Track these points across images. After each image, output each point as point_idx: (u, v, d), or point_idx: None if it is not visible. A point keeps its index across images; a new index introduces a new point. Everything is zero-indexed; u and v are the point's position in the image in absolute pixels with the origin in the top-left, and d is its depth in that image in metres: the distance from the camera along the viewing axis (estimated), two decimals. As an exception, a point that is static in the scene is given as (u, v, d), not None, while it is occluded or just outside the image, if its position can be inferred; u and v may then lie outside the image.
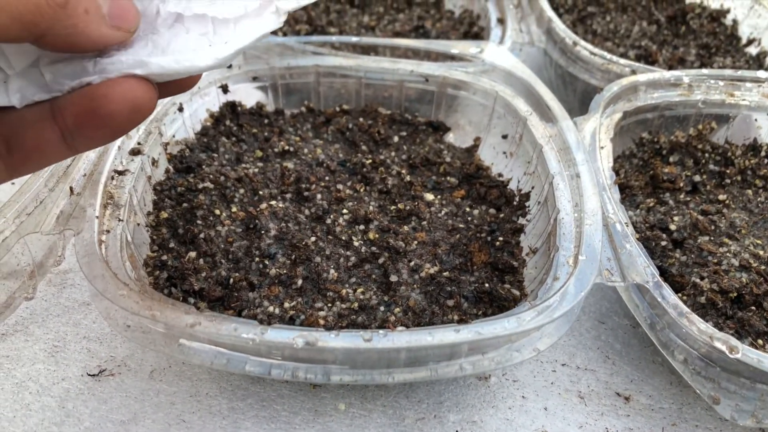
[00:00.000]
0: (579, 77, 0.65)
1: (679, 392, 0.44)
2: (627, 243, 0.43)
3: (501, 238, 0.46)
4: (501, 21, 0.70)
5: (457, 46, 0.59)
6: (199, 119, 0.54)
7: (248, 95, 0.58)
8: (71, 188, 0.42)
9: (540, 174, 0.48)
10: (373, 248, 0.45)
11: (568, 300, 0.36)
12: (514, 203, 0.50)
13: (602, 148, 0.51)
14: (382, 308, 0.41)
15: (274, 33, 0.70)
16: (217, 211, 0.46)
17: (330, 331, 0.34)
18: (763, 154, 0.57)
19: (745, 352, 0.36)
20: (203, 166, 0.49)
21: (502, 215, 0.49)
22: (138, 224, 0.43)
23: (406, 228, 0.47)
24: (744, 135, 0.60)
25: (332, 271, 0.43)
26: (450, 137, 0.58)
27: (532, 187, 0.49)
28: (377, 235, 0.45)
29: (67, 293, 0.48)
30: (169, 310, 0.34)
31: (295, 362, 0.35)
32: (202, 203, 0.46)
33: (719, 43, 0.76)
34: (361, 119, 0.57)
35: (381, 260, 0.44)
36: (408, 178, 0.51)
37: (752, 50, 0.75)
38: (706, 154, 0.57)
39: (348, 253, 0.44)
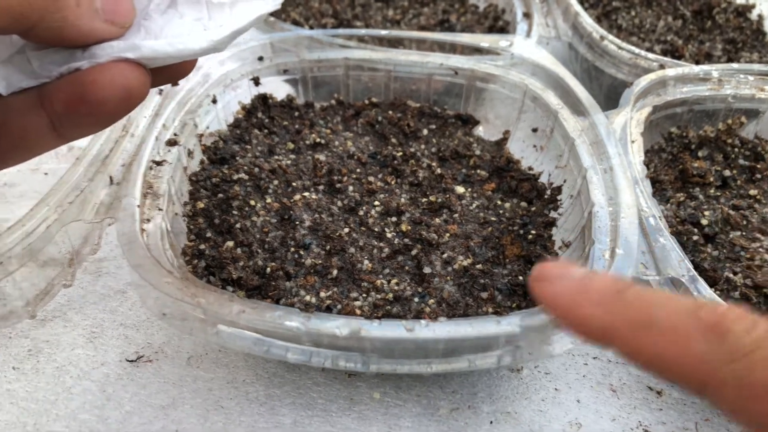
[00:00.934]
0: (605, 71, 0.65)
1: (711, 386, 0.44)
2: (661, 237, 0.43)
3: (533, 232, 0.46)
4: (527, 15, 0.70)
5: (486, 40, 0.59)
6: (232, 111, 0.54)
7: (277, 88, 0.58)
8: (111, 178, 0.43)
9: (572, 167, 0.48)
10: (406, 240, 0.45)
11: (606, 292, 0.36)
12: (546, 196, 0.50)
13: (633, 142, 0.51)
14: (416, 299, 0.41)
15: (299, 24, 0.71)
16: (252, 202, 0.46)
17: (371, 320, 0.35)
18: (793, 149, 0.57)
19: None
20: (237, 158, 0.50)
21: (533, 208, 0.49)
22: (176, 214, 0.43)
23: (437, 220, 0.47)
24: (773, 130, 0.60)
25: (366, 261, 0.43)
26: (480, 131, 0.59)
27: (564, 181, 0.49)
28: (409, 227, 0.46)
29: (103, 281, 0.49)
30: (213, 297, 0.35)
31: (334, 350, 0.36)
32: (237, 194, 0.46)
33: (745, 38, 0.75)
34: (390, 112, 0.57)
35: (414, 252, 0.44)
36: (438, 170, 0.51)
37: (779, 46, 0.74)
38: (735, 149, 0.57)
39: (381, 244, 0.45)
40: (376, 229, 0.46)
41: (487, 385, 0.43)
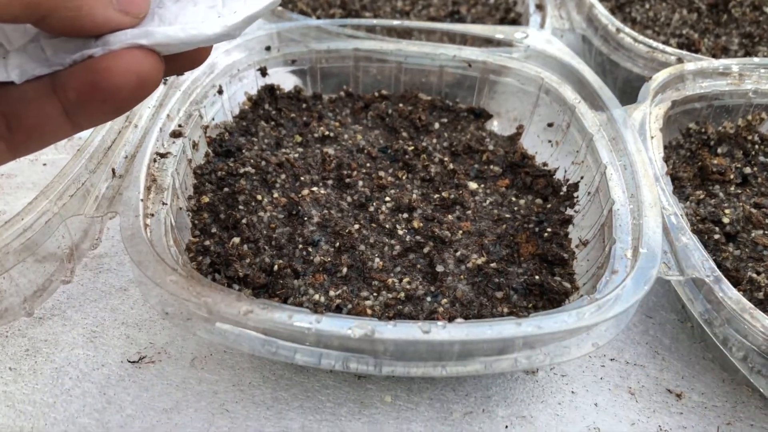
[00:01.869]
0: (621, 65, 0.63)
1: (732, 390, 0.43)
2: (683, 236, 0.41)
3: (549, 229, 0.45)
4: (540, 7, 0.68)
5: (501, 31, 0.57)
6: (238, 102, 0.52)
7: (285, 79, 0.56)
8: (113, 170, 0.41)
9: (590, 164, 0.47)
10: (418, 237, 0.43)
11: (630, 294, 0.35)
12: (562, 193, 0.48)
13: (652, 137, 0.49)
14: (428, 299, 0.39)
15: (306, 14, 0.69)
16: (259, 197, 0.44)
17: (384, 321, 0.33)
18: (815, 146, 0.55)
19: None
20: (243, 151, 0.48)
21: (549, 206, 0.47)
22: (180, 208, 0.42)
23: (450, 217, 0.45)
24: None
25: (377, 259, 0.41)
26: (494, 125, 0.57)
27: (581, 177, 0.48)
28: (421, 224, 0.44)
29: (104, 278, 0.47)
30: (219, 296, 0.33)
31: (345, 352, 0.34)
32: (243, 188, 0.44)
33: (762, 32, 0.73)
34: (401, 105, 0.55)
35: (426, 249, 0.43)
36: (451, 165, 0.49)
37: (797, 40, 0.72)
38: (756, 146, 0.55)
39: (392, 241, 0.43)
40: (387, 226, 0.44)
41: (501, 387, 0.41)
